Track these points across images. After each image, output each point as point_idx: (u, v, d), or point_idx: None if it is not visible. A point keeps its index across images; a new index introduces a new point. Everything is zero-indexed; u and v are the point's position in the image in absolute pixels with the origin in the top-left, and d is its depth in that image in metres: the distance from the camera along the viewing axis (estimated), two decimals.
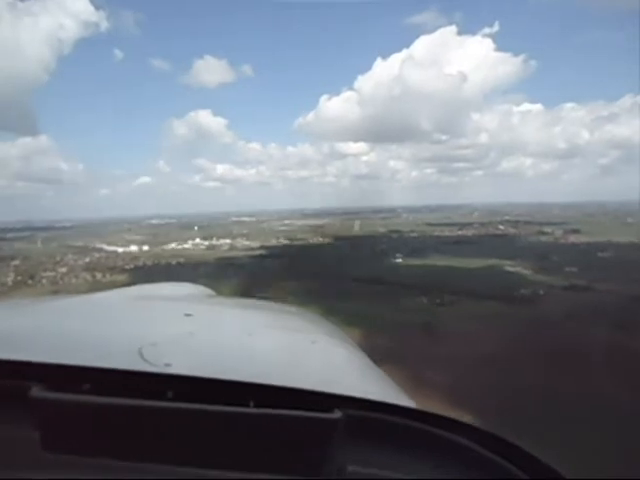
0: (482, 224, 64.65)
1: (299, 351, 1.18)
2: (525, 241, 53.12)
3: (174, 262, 44.82)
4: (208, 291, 2.18)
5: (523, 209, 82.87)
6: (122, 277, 38.04)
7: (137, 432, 0.63)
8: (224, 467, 0.63)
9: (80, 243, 54.44)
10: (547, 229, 57.17)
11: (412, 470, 0.68)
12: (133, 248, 52.11)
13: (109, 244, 53.37)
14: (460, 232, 60.14)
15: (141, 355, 0.80)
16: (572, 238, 51.07)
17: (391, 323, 25.20)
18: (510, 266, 39.69)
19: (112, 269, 41.89)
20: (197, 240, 55.96)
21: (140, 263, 45.25)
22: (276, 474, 0.64)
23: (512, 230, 59.72)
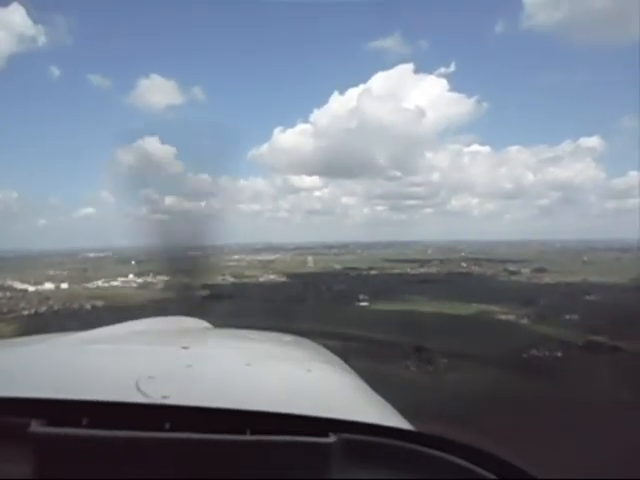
0: (441, 261, 59.66)
1: (295, 379, 1.19)
2: (497, 281, 47.95)
3: (88, 306, 35.27)
4: (205, 324, 2.21)
5: (472, 247, 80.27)
6: (7, 329, 27.73)
7: (136, 464, 0.63)
8: None
9: None
10: (511, 267, 53.12)
11: None
12: (48, 286, 42.32)
13: (22, 281, 43.00)
14: (422, 269, 54.54)
15: (138, 388, 0.81)
16: (547, 278, 46.64)
17: None
18: (502, 313, 33.07)
19: (4, 314, 32.14)
20: (130, 277, 46.14)
21: (44, 308, 35.55)
22: None
23: (476, 268, 54.98)
